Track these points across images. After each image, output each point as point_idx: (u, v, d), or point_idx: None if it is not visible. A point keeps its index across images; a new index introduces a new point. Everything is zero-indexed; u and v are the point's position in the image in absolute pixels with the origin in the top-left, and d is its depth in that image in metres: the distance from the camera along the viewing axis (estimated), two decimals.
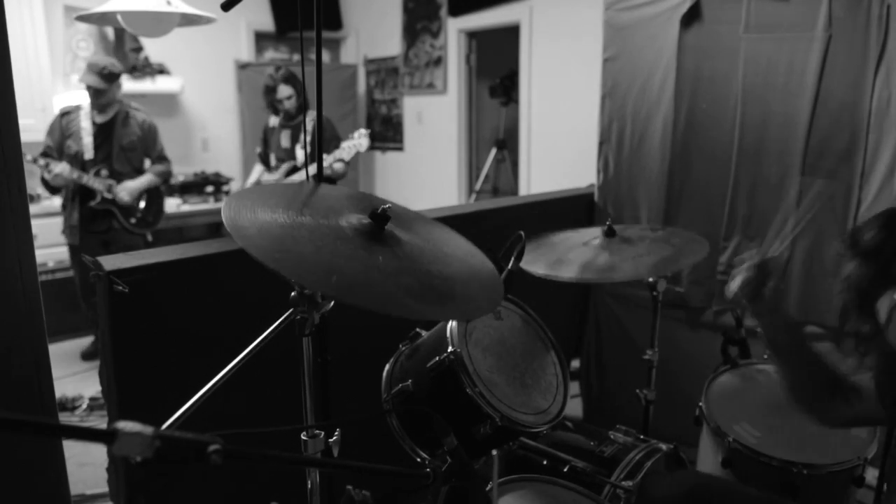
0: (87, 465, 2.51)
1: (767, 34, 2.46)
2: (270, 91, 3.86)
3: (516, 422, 1.31)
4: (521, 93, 4.75)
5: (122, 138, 3.72)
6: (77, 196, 3.68)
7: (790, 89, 2.44)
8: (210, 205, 4.97)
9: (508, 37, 4.76)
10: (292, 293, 1.19)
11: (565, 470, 1.58)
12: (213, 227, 4.93)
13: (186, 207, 4.86)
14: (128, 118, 3.75)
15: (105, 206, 3.69)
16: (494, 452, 0.95)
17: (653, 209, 2.83)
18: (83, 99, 3.68)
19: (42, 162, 3.52)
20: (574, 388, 3.21)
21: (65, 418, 3.23)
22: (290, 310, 1.19)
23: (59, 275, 4.25)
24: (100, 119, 3.68)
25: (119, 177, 3.70)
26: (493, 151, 5.08)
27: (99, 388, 1.77)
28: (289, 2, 5.70)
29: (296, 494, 1.32)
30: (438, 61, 5.35)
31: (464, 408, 1.30)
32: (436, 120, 5.53)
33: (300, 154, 3.82)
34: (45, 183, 3.67)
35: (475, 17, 4.98)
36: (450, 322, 1.37)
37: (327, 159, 3.57)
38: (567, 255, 1.82)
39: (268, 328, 1.19)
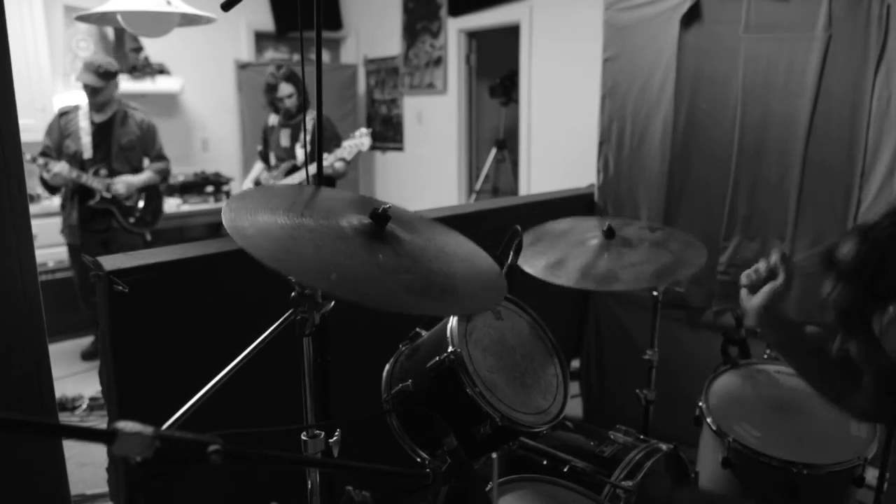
0: (87, 465, 2.51)
1: (767, 34, 2.46)
2: (271, 89, 3.86)
3: (516, 422, 1.31)
4: (521, 93, 4.75)
5: (121, 138, 3.72)
6: (76, 195, 3.68)
7: (790, 89, 2.44)
8: (210, 205, 4.97)
9: (508, 37, 4.76)
10: (292, 293, 1.19)
11: (565, 470, 1.58)
12: (213, 227, 4.93)
13: (186, 207, 4.86)
14: (126, 118, 3.75)
15: (104, 206, 3.69)
16: (494, 455, 0.95)
17: (653, 209, 2.83)
18: (82, 99, 3.68)
19: (41, 161, 3.52)
20: (574, 388, 3.21)
21: (65, 418, 3.23)
22: (291, 310, 1.20)
23: (59, 275, 4.25)
24: (98, 119, 3.68)
25: (118, 176, 3.71)
26: (493, 151, 5.08)
27: (99, 388, 1.77)
28: (289, 2, 5.70)
29: (296, 494, 1.32)
30: (438, 61, 5.35)
31: (464, 408, 1.30)
32: (436, 120, 5.53)
33: (300, 153, 3.82)
34: (43, 183, 3.67)
35: (475, 17, 4.98)
36: (450, 322, 1.37)
37: (328, 158, 3.57)
38: (566, 256, 1.82)
39: (268, 328, 1.19)
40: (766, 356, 1.99)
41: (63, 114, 3.71)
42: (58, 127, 3.68)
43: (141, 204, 3.82)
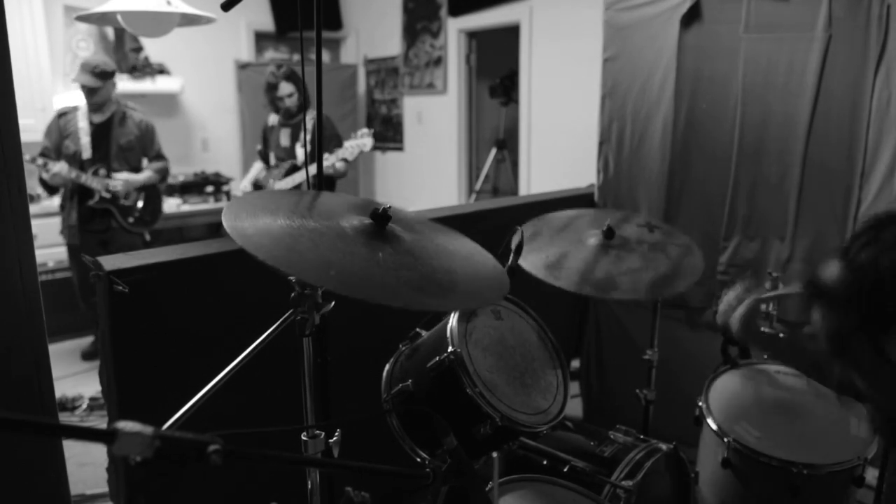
0: (87, 465, 2.51)
1: (767, 34, 2.46)
2: (271, 88, 3.87)
3: (516, 422, 1.31)
4: (521, 93, 4.75)
5: (120, 138, 3.73)
6: (75, 196, 3.68)
7: (790, 89, 2.44)
8: (210, 205, 4.97)
9: (508, 37, 4.76)
10: (292, 293, 1.19)
11: (565, 470, 1.58)
12: (213, 227, 4.93)
13: (186, 207, 4.86)
14: (125, 118, 3.76)
15: (103, 206, 3.70)
16: (495, 455, 0.95)
17: (653, 209, 2.83)
18: (80, 100, 3.69)
19: (40, 161, 3.53)
20: (574, 388, 3.21)
21: (65, 418, 3.23)
22: (291, 310, 1.20)
23: (58, 275, 4.25)
24: (97, 119, 3.69)
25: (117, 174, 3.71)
26: (493, 151, 5.08)
27: (99, 388, 1.77)
28: (289, 2, 5.70)
29: (296, 494, 1.32)
30: (438, 61, 5.35)
31: (464, 408, 1.30)
32: (436, 120, 5.53)
33: (300, 152, 3.83)
34: (43, 183, 3.68)
35: (475, 17, 4.98)
36: (450, 322, 1.37)
37: (329, 158, 3.56)
38: (565, 255, 1.82)
39: (268, 328, 1.19)
40: (766, 356, 1.99)
41: (62, 114, 3.72)
42: (57, 128, 3.68)
43: (140, 204, 3.82)
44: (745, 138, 2.57)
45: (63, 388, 3.44)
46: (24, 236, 1.40)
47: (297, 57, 6.10)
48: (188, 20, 2.18)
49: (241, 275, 1.79)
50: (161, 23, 2.17)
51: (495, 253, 1.45)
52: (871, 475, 1.62)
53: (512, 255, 1.51)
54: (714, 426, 1.73)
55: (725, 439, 1.67)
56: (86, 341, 4.20)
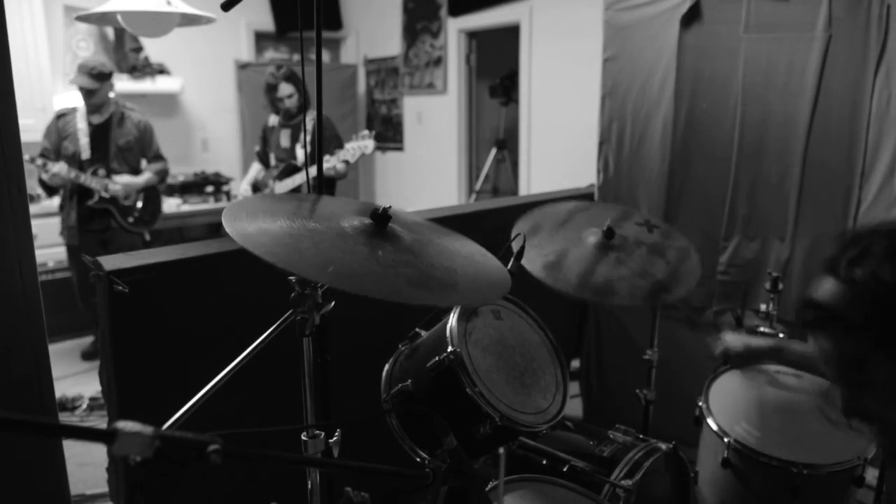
0: (87, 465, 2.51)
1: (767, 34, 2.46)
2: (271, 89, 3.86)
3: (516, 421, 1.31)
4: (521, 93, 4.75)
5: (119, 138, 3.74)
6: (74, 196, 3.68)
7: (790, 89, 2.44)
8: (210, 205, 4.97)
9: (508, 37, 4.76)
10: (292, 294, 1.19)
11: (565, 469, 1.58)
12: (213, 227, 4.93)
13: (186, 207, 4.86)
14: (123, 118, 3.77)
15: (103, 206, 3.70)
16: (501, 450, 0.95)
17: (653, 209, 2.83)
18: (79, 101, 3.70)
19: (39, 162, 3.53)
20: (574, 388, 3.21)
21: (65, 418, 3.23)
22: (291, 310, 1.20)
23: (58, 275, 4.25)
24: (96, 120, 3.70)
25: (117, 176, 3.71)
26: (493, 151, 5.08)
27: (99, 388, 1.77)
28: (289, 2, 5.70)
29: (296, 494, 1.32)
30: (438, 61, 5.35)
31: (463, 408, 1.30)
32: (436, 120, 5.53)
33: (300, 153, 3.82)
34: (42, 184, 3.68)
35: (475, 17, 4.98)
36: (449, 322, 1.37)
37: (330, 160, 3.56)
38: (565, 255, 1.81)
39: (268, 328, 1.20)
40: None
41: (60, 116, 3.73)
42: (56, 129, 3.69)
43: (140, 204, 3.82)
44: (745, 138, 2.57)
45: (63, 388, 3.44)
46: (24, 236, 1.41)
47: (297, 57, 6.10)
48: (188, 20, 2.18)
49: (241, 275, 1.79)
50: (161, 23, 2.17)
51: (496, 254, 1.45)
52: (871, 475, 1.62)
53: (513, 259, 1.51)
54: (714, 426, 1.73)
55: (725, 439, 1.67)
56: (86, 341, 4.20)
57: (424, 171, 5.75)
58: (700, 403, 1.82)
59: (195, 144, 5.57)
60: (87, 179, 3.62)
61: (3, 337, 1.40)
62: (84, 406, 3.37)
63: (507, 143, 5.10)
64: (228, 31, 5.57)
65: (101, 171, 3.68)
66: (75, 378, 3.69)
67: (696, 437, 1.90)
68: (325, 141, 3.64)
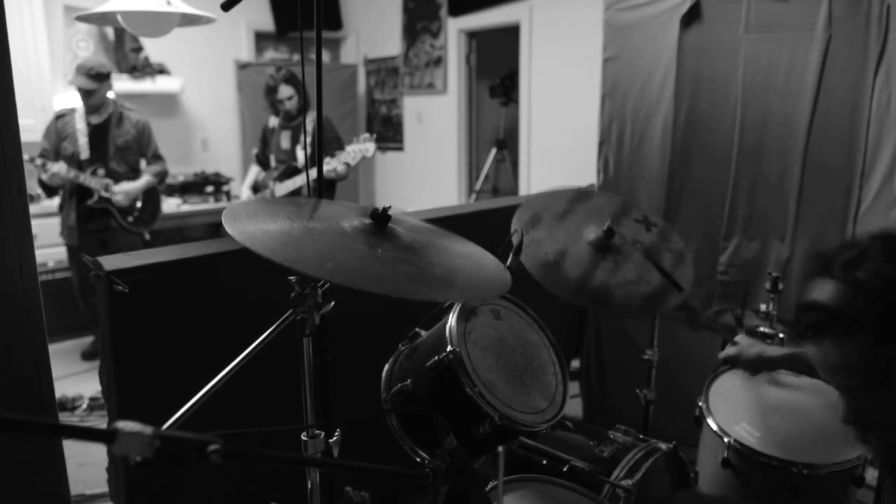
0: (87, 465, 2.51)
1: (767, 34, 2.46)
2: (271, 91, 3.86)
3: (516, 421, 1.31)
4: (521, 93, 4.75)
5: (118, 138, 3.74)
6: (74, 196, 3.69)
7: (790, 89, 2.44)
8: (210, 205, 4.97)
9: (508, 37, 4.76)
10: (292, 293, 1.19)
11: (565, 470, 1.58)
12: (213, 227, 4.93)
13: (186, 207, 4.86)
14: (122, 118, 3.77)
15: (102, 205, 3.70)
16: (500, 449, 0.95)
17: (653, 209, 2.83)
18: (78, 101, 3.70)
19: (39, 162, 3.53)
20: (574, 388, 3.21)
21: (65, 418, 3.23)
22: (291, 310, 1.20)
23: (58, 275, 4.25)
24: (94, 120, 3.70)
25: (116, 176, 3.72)
26: (493, 151, 5.08)
27: (99, 388, 1.77)
28: (289, 2, 5.70)
29: (296, 494, 1.32)
30: (438, 61, 5.35)
31: (463, 407, 1.30)
32: (436, 120, 5.53)
33: (301, 155, 3.82)
34: (42, 184, 3.68)
35: (475, 17, 4.98)
36: (449, 321, 1.37)
37: (331, 163, 3.56)
38: (564, 254, 1.81)
39: (268, 328, 1.20)
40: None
41: (59, 116, 3.73)
42: (55, 129, 3.69)
43: (139, 203, 3.83)
44: (745, 138, 2.57)
45: (63, 388, 3.44)
46: (24, 236, 1.41)
47: (297, 57, 6.10)
48: (188, 20, 2.18)
49: (241, 275, 1.79)
50: (161, 23, 2.17)
51: (495, 253, 1.45)
52: (871, 475, 1.62)
53: (511, 255, 1.51)
54: (714, 426, 1.73)
55: (725, 439, 1.67)
56: (86, 341, 4.20)
57: (424, 171, 5.75)
58: (700, 403, 1.82)
59: (195, 144, 5.57)
60: (86, 179, 3.62)
61: (3, 337, 1.40)
62: (84, 406, 3.37)
63: (507, 143, 5.10)
64: (228, 31, 5.57)
65: (101, 171, 3.68)
66: (75, 378, 3.69)
67: (696, 437, 1.90)
68: (326, 142, 3.64)
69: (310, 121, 3.50)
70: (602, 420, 2.75)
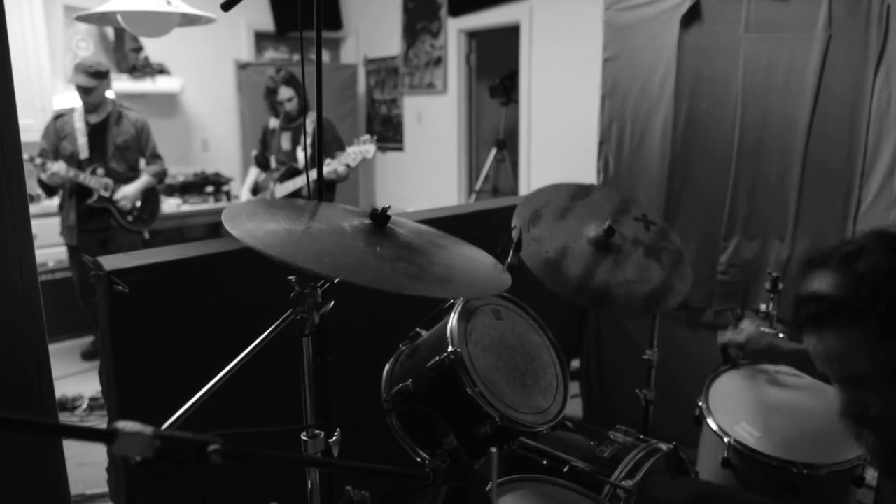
0: (87, 465, 2.51)
1: (767, 34, 2.46)
2: (271, 93, 3.86)
3: (516, 422, 1.31)
4: (521, 93, 4.75)
5: (117, 137, 3.74)
6: (74, 195, 3.69)
7: (790, 89, 2.44)
8: (210, 205, 4.97)
9: (508, 37, 4.76)
10: (292, 293, 1.19)
11: (565, 470, 1.58)
12: (213, 227, 4.93)
13: (186, 207, 4.86)
14: (121, 117, 3.78)
15: (102, 204, 3.70)
16: (493, 450, 0.95)
17: (653, 209, 2.82)
18: (77, 101, 3.70)
19: (38, 161, 3.53)
20: (574, 388, 3.21)
21: (65, 418, 3.23)
22: (290, 310, 1.20)
23: (59, 275, 4.25)
24: (93, 120, 3.71)
25: (115, 176, 3.72)
26: (493, 151, 5.07)
27: (99, 388, 1.77)
28: (289, 2, 5.70)
29: (296, 494, 1.32)
30: (438, 61, 5.35)
31: (464, 408, 1.30)
32: (436, 120, 5.53)
33: (301, 156, 3.82)
34: (41, 184, 3.68)
35: (475, 17, 4.98)
36: (450, 322, 1.37)
37: (332, 164, 3.56)
38: (565, 253, 1.81)
39: (268, 328, 1.20)
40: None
41: (58, 116, 3.74)
42: (54, 129, 3.70)
43: (139, 203, 3.83)
44: (745, 138, 2.57)
45: (63, 388, 3.44)
46: (24, 236, 1.40)
47: (297, 57, 6.10)
48: (188, 20, 2.18)
49: (241, 275, 1.79)
50: (161, 23, 2.17)
51: (494, 251, 1.45)
52: (871, 475, 1.62)
53: (511, 252, 1.51)
54: (714, 426, 1.73)
55: (725, 439, 1.67)
56: (86, 341, 4.20)
57: (424, 171, 5.75)
58: (700, 403, 1.82)
59: (195, 144, 5.57)
60: (86, 178, 3.62)
61: (3, 337, 1.40)
62: (84, 406, 3.37)
63: (507, 143, 5.10)
64: (228, 31, 5.57)
65: (101, 171, 3.68)
66: (75, 378, 3.69)
67: (696, 437, 1.90)
68: (326, 143, 3.64)
69: (310, 122, 3.50)
70: (602, 420, 2.75)
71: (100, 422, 3.21)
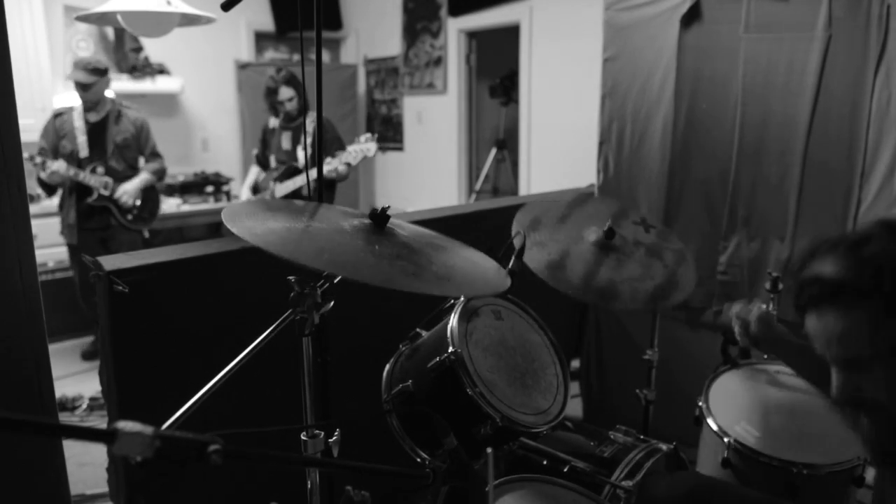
0: (87, 465, 2.51)
1: (767, 34, 2.46)
2: (271, 93, 3.87)
3: (516, 422, 1.31)
4: (521, 93, 4.75)
5: (117, 136, 3.75)
6: (74, 194, 3.69)
7: (790, 89, 2.44)
8: (210, 205, 4.97)
9: (508, 37, 4.76)
10: (292, 293, 1.19)
11: (565, 470, 1.58)
12: (213, 227, 4.93)
13: (186, 207, 4.86)
14: (120, 116, 3.79)
15: (102, 203, 3.71)
16: (489, 450, 0.94)
17: (653, 209, 2.83)
18: (77, 100, 3.70)
19: (38, 160, 3.53)
20: (574, 388, 3.21)
21: (65, 418, 3.23)
22: (290, 310, 1.20)
23: (59, 275, 4.25)
24: (93, 118, 3.71)
25: (115, 174, 3.72)
26: (493, 151, 5.08)
27: (99, 388, 1.77)
28: (289, 2, 5.70)
29: (296, 494, 1.32)
30: (438, 61, 5.35)
31: (464, 408, 1.30)
32: (436, 120, 5.53)
33: (301, 155, 3.82)
34: (41, 183, 3.68)
35: (475, 17, 4.98)
36: (450, 322, 1.37)
37: (332, 163, 3.56)
38: (567, 254, 1.81)
39: (268, 328, 1.20)
40: (766, 356, 1.99)
41: (58, 115, 3.74)
42: (53, 128, 3.70)
43: (139, 202, 3.83)
44: (745, 138, 2.57)
45: (63, 388, 3.44)
46: (24, 236, 1.40)
47: (297, 57, 6.10)
48: (188, 20, 2.18)
49: (241, 275, 1.79)
50: (161, 23, 2.17)
51: (496, 254, 1.45)
52: (871, 475, 1.62)
53: (514, 257, 1.51)
54: (714, 426, 1.73)
55: (725, 439, 1.67)
56: (86, 341, 4.19)
57: (424, 171, 5.75)
58: (700, 403, 1.82)
59: (195, 144, 5.57)
60: (85, 177, 3.63)
61: (3, 337, 1.40)
62: (84, 406, 3.37)
63: (507, 143, 5.10)
64: (228, 31, 5.57)
65: (100, 169, 3.68)
66: (75, 378, 3.69)
67: (696, 437, 1.90)
68: (327, 143, 3.64)
69: (310, 121, 3.50)
70: (602, 420, 2.75)
71: (100, 422, 3.21)
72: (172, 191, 4.88)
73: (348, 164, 3.60)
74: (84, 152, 3.66)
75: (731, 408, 1.79)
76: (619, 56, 2.86)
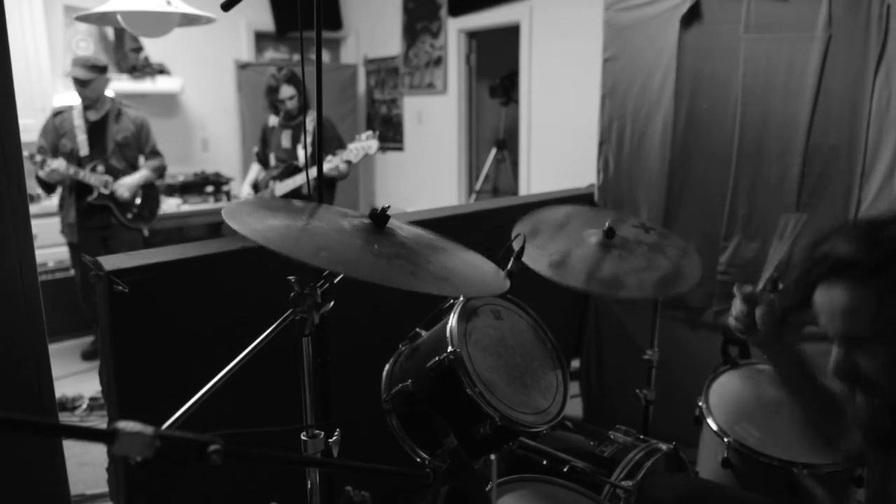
0: (87, 465, 2.51)
1: (767, 34, 2.46)
2: (272, 91, 3.87)
3: (516, 422, 1.31)
4: (521, 93, 4.75)
5: (117, 134, 3.75)
6: (74, 192, 3.69)
7: (790, 89, 2.44)
8: (210, 205, 4.97)
9: (508, 37, 4.76)
10: (292, 293, 1.19)
11: (565, 470, 1.58)
12: (213, 227, 4.93)
13: (186, 207, 4.86)
14: (120, 115, 3.79)
15: (102, 202, 3.71)
16: (493, 457, 0.95)
17: (653, 209, 2.83)
18: (76, 99, 3.70)
19: (38, 158, 3.53)
20: (574, 388, 3.21)
21: (65, 418, 3.23)
22: (290, 310, 1.20)
23: (59, 275, 4.25)
24: (93, 117, 3.71)
25: (115, 173, 3.72)
26: (493, 151, 5.08)
27: (99, 388, 1.77)
28: (289, 2, 5.70)
29: (296, 494, 1.32)
30: (438, 61, 5.35)
31: (464, 408, 1.30)
32: (436, 120, 5.53)
33: (301, 154, 3.82)
34: (40, 182, 3.68)
35: (475, 17, 4.98)
36: (449, 322, 1.37)
37: (332, 161, 3.56)
38: (568, 254, 1.82)
39: (268, 328, 1.20)
40: (765, 357, 1.99)
41: (57, 113, 3.74)
42: (53, 127, 3.70)
43: (138, 200, 3.83)
44: (745, 138, 2.57)
45: (63, 388, 3.44)
46: (24, 236, 1.40)
47: (297, 57, 6.10)
48: (188, 20, 2.18)
49: (241, 275, 1.80)
50: (161, 23, 2.17)
51: (496, 255, 1.45)
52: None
53: (512, 259, 1.51)
54: (714, 426, 1.73)
55: (725, 439, 1.67)
56: (86, 341, 4.20)
57: (424, 171, 5.75)
58: (700, 403, 1.82)
59: (195, 144, 5.57)
60: (86, 176, 3.63)
61: (3, 337, 1.40)
62: (84, 406, 3.37)
63: (507, 143, 5.10)
64: (228, 31, 5.57)
65: (100, 168, 3.68)
66: (75, 378, 3.69)
67: (696, 437, 1.90)
68: (326, 142, 3.64)
69: (310, 121, 3.50)
70: (602, 420, 2.75)
71: (100, 422, 3.21)
72: (172, 191, 4.88)
73: (349, 162, 3.61)
74: (84, 151, 3.66)
75: (731, 408, 1.79)
76: (619, 56, 2.86)
